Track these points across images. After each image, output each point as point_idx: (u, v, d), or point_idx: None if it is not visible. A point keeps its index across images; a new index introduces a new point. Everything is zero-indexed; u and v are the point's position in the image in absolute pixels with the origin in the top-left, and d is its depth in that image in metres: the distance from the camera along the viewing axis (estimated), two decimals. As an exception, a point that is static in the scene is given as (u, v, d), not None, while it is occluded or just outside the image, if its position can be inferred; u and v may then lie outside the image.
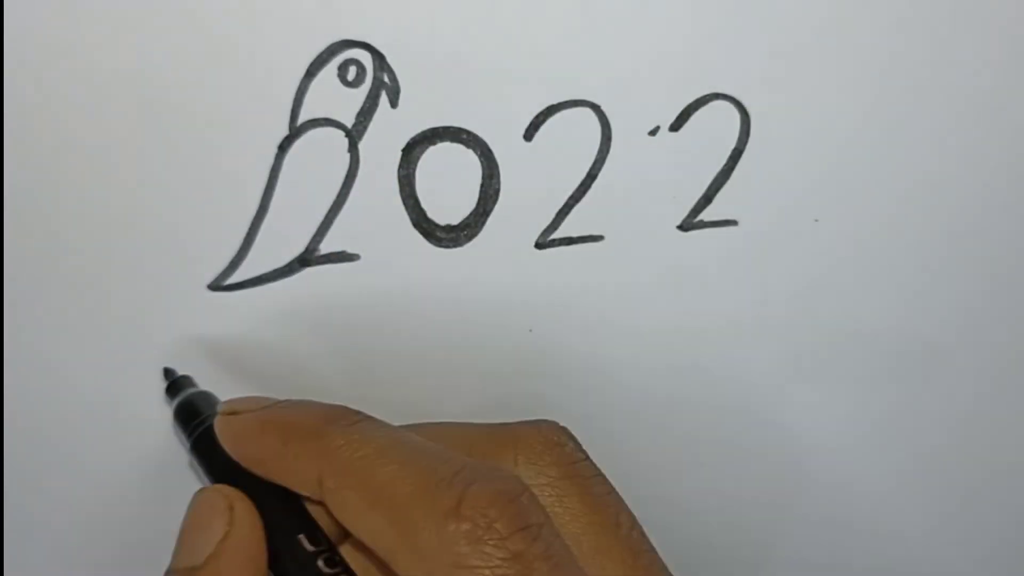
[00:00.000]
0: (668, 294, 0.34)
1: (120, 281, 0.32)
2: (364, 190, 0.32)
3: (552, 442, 0.27)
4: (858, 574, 0.38)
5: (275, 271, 0.33)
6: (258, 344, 0.33)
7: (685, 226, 0.34)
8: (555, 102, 0.32)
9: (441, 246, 0.33)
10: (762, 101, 0.33)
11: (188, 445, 0.30)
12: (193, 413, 0.30)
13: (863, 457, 0.37)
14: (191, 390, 0.31)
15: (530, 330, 0.34)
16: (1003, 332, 0.36)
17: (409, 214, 0.33)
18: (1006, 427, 0.37)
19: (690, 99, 0.33)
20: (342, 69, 0.32)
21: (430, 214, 0.33)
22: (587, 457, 0.27)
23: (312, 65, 0.31)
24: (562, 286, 0.34)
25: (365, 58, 0.32)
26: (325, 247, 0.33)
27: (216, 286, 0.33)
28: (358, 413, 0.26)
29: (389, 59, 0.32)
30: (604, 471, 0.28)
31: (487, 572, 0.21)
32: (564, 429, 0.28)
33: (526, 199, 0.33)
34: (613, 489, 0.27)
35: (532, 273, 0.34)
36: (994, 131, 0.34)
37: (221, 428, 0.28)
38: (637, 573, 0.25)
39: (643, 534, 0.26)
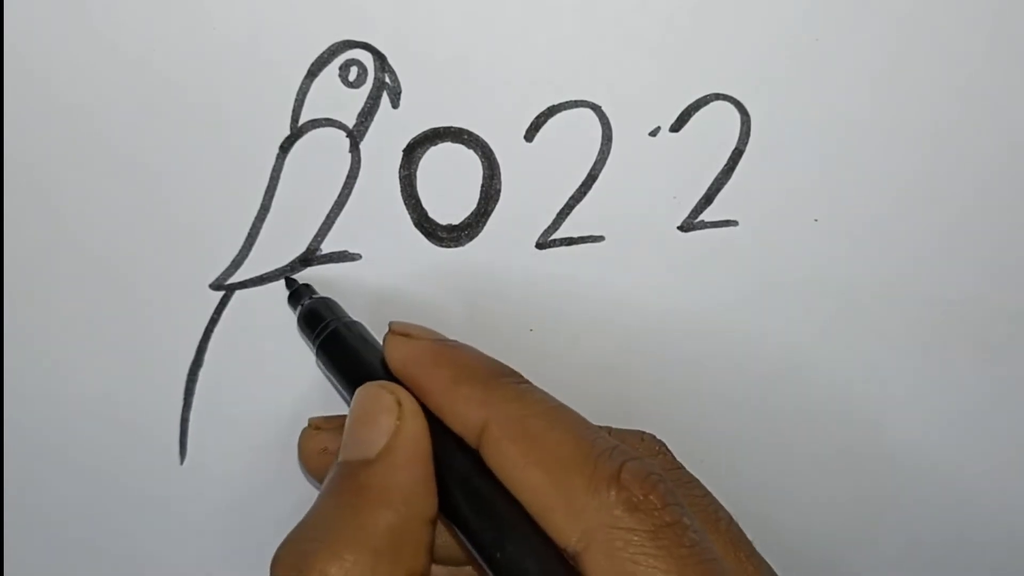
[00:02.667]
0: (668, 294, 0.34)
1: (123, 280, 0.32)
2: (365, 190, 0.32)
3: (654, 451, 0.30)
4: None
5: (277, 270, 0.33)
6: (259, 342, 0.33)
7: (685, 226, 0.34)
8: (555, 102, 0.32)
9: (442, 246, 0.33)
10: (762, 101, 0.33)
11: (314, 349, 0.31)
12: (317, 318, 0.31)
13: (860, 452, 0.37)
14: (313, 296, 0.32)
15: (530, 330, 0.34)
16: (1003, 329, 0.36)
17: (410, 214, 0.33)
18: (1004, 427, 0.37)
19: (690, 99, 0.33)
20: (343, 70, 0.32)
21: (431, 214, 0.33)
22: (683, 466, 0.29)
23: (313, 65, 0.31)
24: (562, 286, 0.34)
25: (366, 59, 0.32)
26: (327, 247, 0.33)
27: (218, 285, 0.33)
28: (522, 376, 0.28)
29: (390, 60, 0.32)
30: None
31: (642, 534, 0.23)
32: (661, 441, 0.30)
33: (527, 199, 0.33)
34: (708, 492, 0.29)
35: (532, 273, 0.34)
36: (993, 131, 0.34)
37: (391, 348, 0.28)
38: (740, 562, 0.27)
39: (740, 529, 0.28)
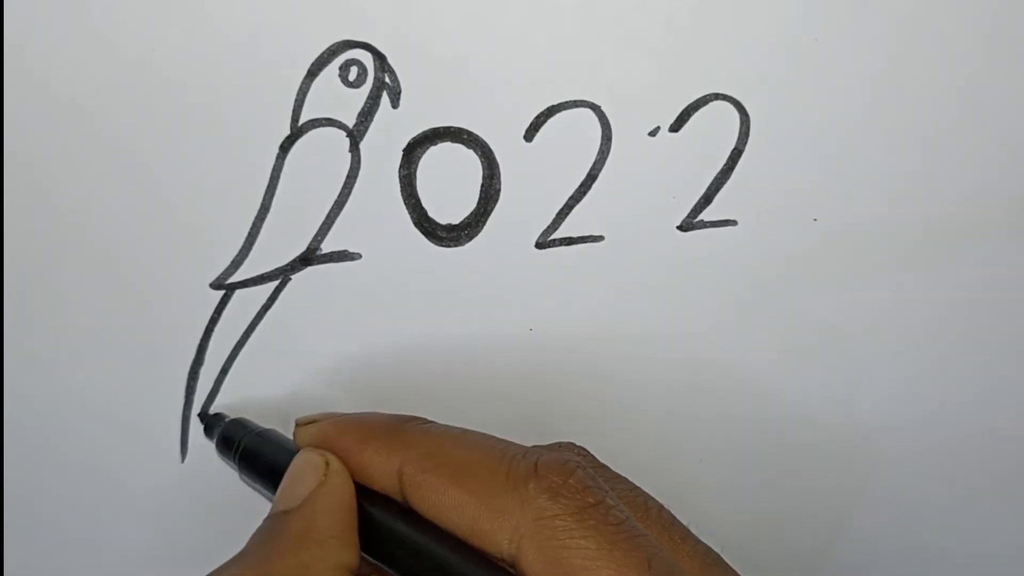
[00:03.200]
0: (668, 294, 0.35)
1: (123, 279, 0.32)
2: (365, 190, 0.33)
3: (575, 452, 0.30)
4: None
5: (277, 270, 0.33)
6: (259, 343, 0.33)
7: (685, 226, 0.34)
8: (555, 102, 0.33)
9: (442, 245, 0.33)
10: (762, 101, 0.33)
11: (236, 468, 0.32)
12: (230, 441, 0.32)
13: (858, 449, 0.37)
14: (225, 421, 0.33)
15: (530, 329, 0.34)
16: (1003, 329, 0.36)
17: (410, 214, 0.33)
18: (1004, 427, 0.37)
19: (690, 99, 0.33)
20: (343, 69, 0.32)
21: (431, 214, 0.33)
22: (606, 465, 0.30)
23: (313, 65, 0.31)
24: (562, 286, 0.34)
25: (366, 58, 0.32)
26: (327, 246, 0.33)
27: (219, 284, 0.33)
28: (426, 419, 0.28)
29: (390, 59, 0.32)
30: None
31: (567, 519, 0.24)
32: (582, 447, 0.30)
33: (526, 199, 0.33)
34: (636, 486, 0.29)
35: (532, 273, 0.34)
36: (993, 131, 0.34)
37: (300, 436, 0.29)
38: (674, 543, 0.28)
39: (672, 515, 0.29)
